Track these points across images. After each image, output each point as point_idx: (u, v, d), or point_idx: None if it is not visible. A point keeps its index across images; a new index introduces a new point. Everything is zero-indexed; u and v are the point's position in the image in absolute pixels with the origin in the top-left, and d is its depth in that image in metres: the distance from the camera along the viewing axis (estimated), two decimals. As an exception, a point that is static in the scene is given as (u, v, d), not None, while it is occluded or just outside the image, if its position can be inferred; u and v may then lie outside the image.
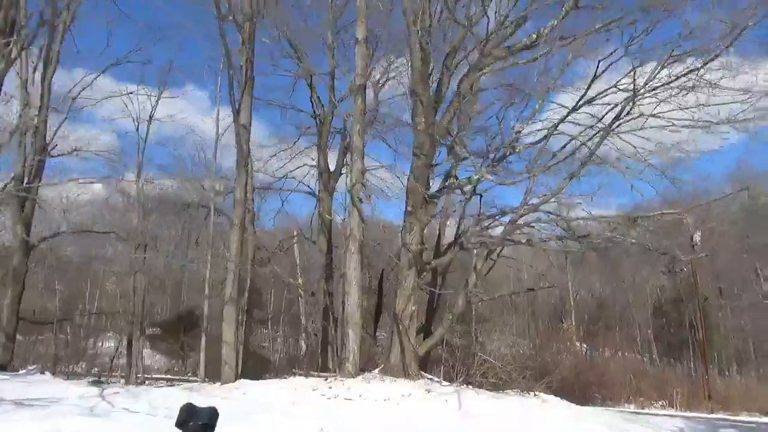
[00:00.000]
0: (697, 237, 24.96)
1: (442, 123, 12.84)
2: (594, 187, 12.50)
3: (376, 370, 13.23)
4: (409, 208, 13.41)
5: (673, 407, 25.25)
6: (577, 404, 24.08)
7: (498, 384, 14.17)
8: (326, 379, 11.87)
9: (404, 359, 13.08)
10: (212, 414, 1.64)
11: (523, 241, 13.87)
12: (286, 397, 10.20)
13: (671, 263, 39.04)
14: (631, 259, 50.89)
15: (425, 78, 13.29)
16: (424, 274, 14.18)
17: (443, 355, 20.27)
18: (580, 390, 26.78)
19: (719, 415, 23.33)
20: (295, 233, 24.08)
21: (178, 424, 1.60)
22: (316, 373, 13.53)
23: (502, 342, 45.97)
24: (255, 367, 22.10)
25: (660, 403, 26.15)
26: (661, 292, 40.53)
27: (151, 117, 22.20)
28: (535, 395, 13.53)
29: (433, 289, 15.31)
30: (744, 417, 23.10)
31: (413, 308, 13.35)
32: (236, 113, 13.19)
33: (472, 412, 9.98)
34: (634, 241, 13.55)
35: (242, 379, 12.27)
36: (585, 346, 42.88)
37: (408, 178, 13.71)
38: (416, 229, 13.37)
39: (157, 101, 22.45)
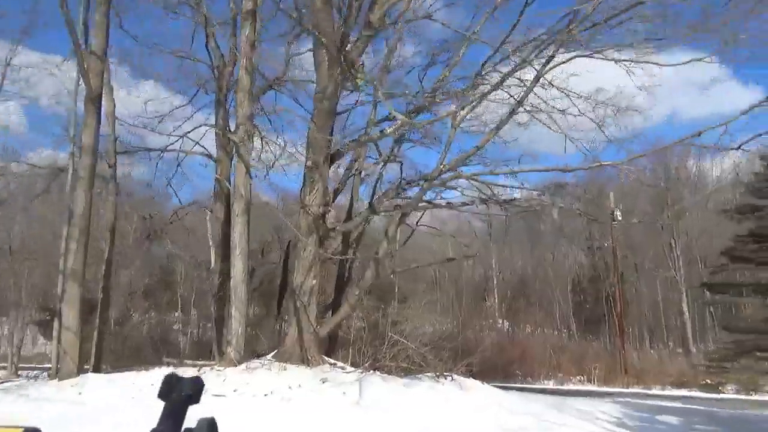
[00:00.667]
0: (618, 213, 24.51)
1: (349, 56, 10.67)
2: (520, 155, 10.99)
3: (268, 356, 11.07)
4: (309, 163, 11.20)
5: (591, 382, 24.96)
6: (500, 384, 23.06)
7: (410, 368, 12.43)
8: (199, 369, 9.55)
9: (302, 342, 11.00)
10: (196, 384, 1.39)
11: (443, 204, 12.11)
12: (133, 395, 7.82)
13: (590, 240, 39.62)
14: (552, 236, 51.71)
15: (327, 5, 11.03)
16: (329, 241, 12.08)
17: (355, 337, 18.41)
18: (502, 368, 26.01)
19: (635, 389, 23.22)
20: (189, 203, 21.10)
21: (161, 396, 1.36)
22: (191, 362, 11.18)
23: (425, 320, 45.35)
24: (149, 354, 19.32)
25: (579, 377, 25.85)
26: (580, 270, 40.97)
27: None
28: (452, 379, 11.98)
29: (341, 257, 13.26)
30: (657, 390, 23.11)
31: (313, 281, 11.25)
32: (80, 35, 10.22)
33: (374, 404, 8.09)
34: (561, 204, 12.18)
35: (89, 374, 9.69)
36: (507, 323, 42.94)
37: (309, 128, 11.47)
38: (318, 188, 11.23)
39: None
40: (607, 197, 25.57)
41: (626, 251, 34.50)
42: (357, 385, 8.85)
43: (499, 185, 12.68)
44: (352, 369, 11.12)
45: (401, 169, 14.60)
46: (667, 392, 22.73)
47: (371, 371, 10.93)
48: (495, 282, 53.34)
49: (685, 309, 27.94)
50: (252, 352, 11.99)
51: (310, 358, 10.90)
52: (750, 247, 11.74)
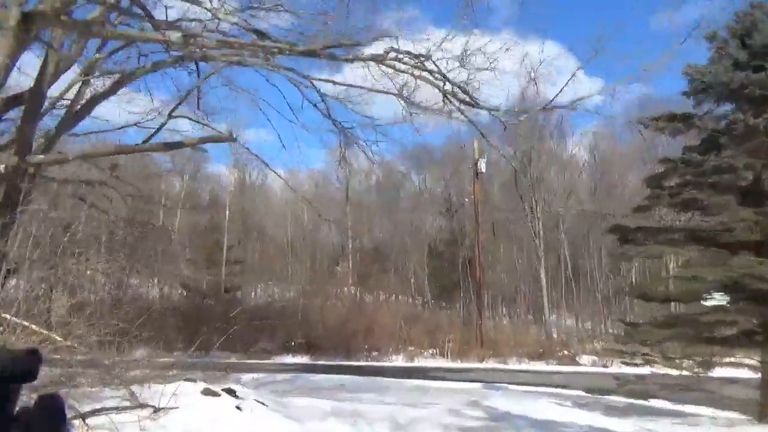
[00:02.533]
0: (482, 164, 21.23)
1: None
2: None
3: None
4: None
5: (444, 356, 21.79)
6: (342, 363, 18.55)
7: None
8: None
9: None
10: (32, 357, 1.17)
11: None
12: None
13: (449, 202, 37.12)
14: (410, 201, 49.00)
15: None
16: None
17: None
18: (345, 342, 21.86)
19: (491, 364, 20.48)
20: None
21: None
22: None
23: (265, 291, 40.15)
24: None
25: (431, 350, 22.58)
26: (438, 234, 38.38)
27: None
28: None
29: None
30: (514, 364, 20.60)
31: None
32: None
33: None
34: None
35: None
36: (359, 291, 39.30)
37: None
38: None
39: None
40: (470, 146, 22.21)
41: (484, 213, 32.33)
42: None
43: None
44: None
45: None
46: (524, 366, 20.26)
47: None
48: (350, 248, 49.67)
49: (542, 275, 25.97)
50: None
51: None
52: (689, 170, 8.35)
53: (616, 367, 20.33)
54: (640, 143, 27.21)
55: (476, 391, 12.66)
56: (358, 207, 54.94)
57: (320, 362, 20.36)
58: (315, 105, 8.43)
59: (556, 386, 14.05)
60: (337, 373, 16.09)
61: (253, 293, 33.50)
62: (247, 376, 12.16)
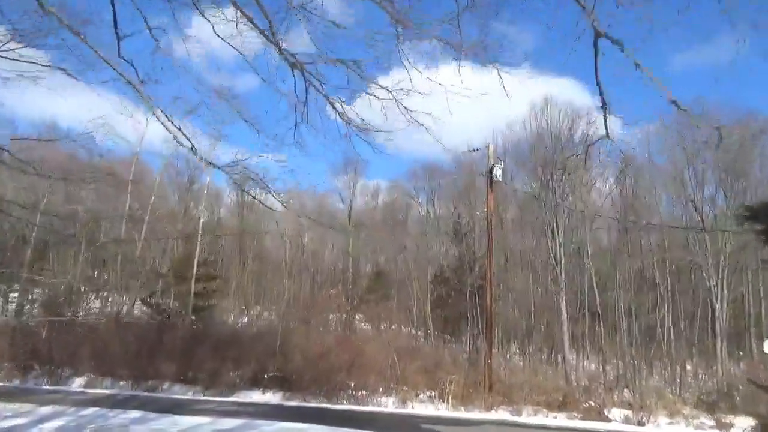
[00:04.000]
0: (498, 171, 17.91)
1: None
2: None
3: None
4: None
5: (444, 401, 18.05)
6: (315, 406, 15.35)
7: None
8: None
9: None
10: None
11: None
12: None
13: (458, 224, 33.69)
14: (417, 224, 45.63)
15: None
16: None
17: None
18: (325, 377, 18.25)
19: (501, 415, 16.76)
20: None
21: None
22: None
23: (257, 315, 36.67)
24: None
25: (429, 393, 18.84)
26: (444, 259, 34.83)
27: None
28: None
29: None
30: (528, 417, 16.83)
31: None
32: None
33: None
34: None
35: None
36: (357, 318, 35.70)
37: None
38: None
39: None
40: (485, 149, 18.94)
41: (497, 239, 28.88)
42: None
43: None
44: None
45: None
46: (542, 419, 16.50)
47: None
48: (350, 272, 46.30)
49: (563, 309, 22.29)
50: None
51: None
52: None
53: (653, 426, 16.73)
54: (670, 159, 24.02)
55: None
56: (361, 229, 51.75)
57: (293, 403, 16.80)
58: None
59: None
60: (304, 419, 12.65)
61: (232, 316, 29.97)
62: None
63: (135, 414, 12.47)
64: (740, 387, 18.54)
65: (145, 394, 16.76)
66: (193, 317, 22.26)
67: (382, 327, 30.90)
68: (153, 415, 12.52)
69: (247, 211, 50.15)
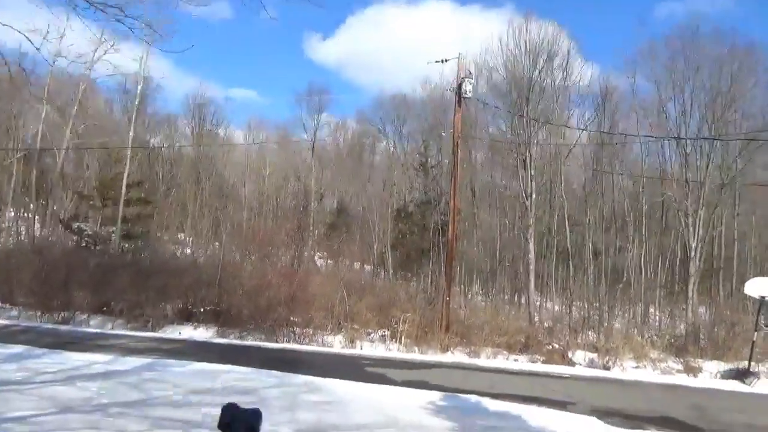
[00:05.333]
0: (468, 86, 15.53)
1: None
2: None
3: None
4: None
5: (396, 341, 16.45)
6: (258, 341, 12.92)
7: None
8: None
9: None
10: (256, 415, 1.58)
11: None
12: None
13: (425, 155, 31.50)
14: (383, 158, 43.33)
15: None
16: None
17: None
18: (265, 313, 16.36)
19: (458, 357, 15.26)
20: None
21: (221, 426, 1.56)
22: None
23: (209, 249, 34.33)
24: None
25: (381, 333, 17.23)
26: (410, 194, 32.84)
27: None
28: None
29: None
30: (487, 360, 15.37)
31: None
32: None
33: None
34: None
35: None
36: (318, 255, 33.85)
37: None
38: None
39: None
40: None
41: (467, 173, 26.91)
42: None
43: None
44: None
45: None
46: (502, 362, 15.03)
47: None
48: (313, 207, 44.09)
49: (531, 248, 20.72)
50: None
51: None
52: None
53: (619, 370, 15.52)
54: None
55: (429, 407, 7.48)
56: (325, 164, 49.20)
57: (223, 340, 14.92)
58: None
59: (554, 402, 9.18)
60: (228, 359, 10.81)
61: (182, 249, 27.64)
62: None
63: (16, 349, 10.35)
64: (711, 330, 17.45)
65: (51, 326, 14.61)
66: (126, 246, 19.88)
67: (340, 264, 29.17)
68: (39, 351, 10.42)
69: (207, 143, 47.02)
